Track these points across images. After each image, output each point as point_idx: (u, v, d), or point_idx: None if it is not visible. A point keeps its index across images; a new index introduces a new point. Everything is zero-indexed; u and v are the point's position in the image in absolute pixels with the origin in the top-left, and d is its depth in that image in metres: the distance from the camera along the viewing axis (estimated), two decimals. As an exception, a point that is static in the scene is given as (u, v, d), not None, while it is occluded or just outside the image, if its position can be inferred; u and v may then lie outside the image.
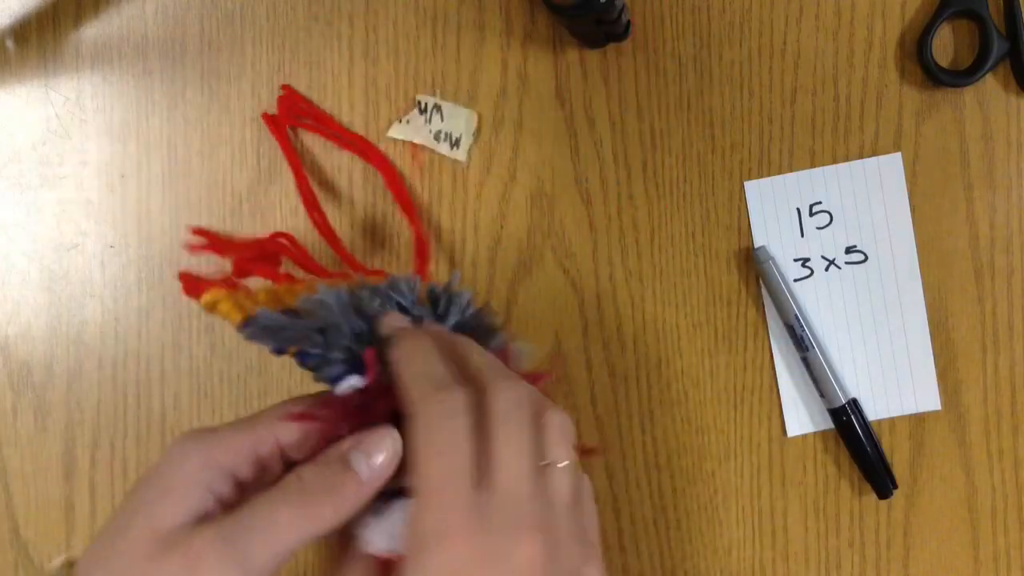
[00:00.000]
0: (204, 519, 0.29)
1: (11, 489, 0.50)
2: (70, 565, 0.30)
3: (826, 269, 0.47)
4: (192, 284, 0.33)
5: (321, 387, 0.32)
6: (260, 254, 0.43)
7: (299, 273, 0.45)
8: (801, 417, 0.47)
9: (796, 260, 0.47)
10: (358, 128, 0.49)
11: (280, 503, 0.29)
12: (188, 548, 0.28)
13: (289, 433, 0.31)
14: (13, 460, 0.50)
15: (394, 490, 0.31)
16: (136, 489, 0.30)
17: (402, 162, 0.48)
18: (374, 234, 0.49)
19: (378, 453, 0.30)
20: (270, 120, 0.48)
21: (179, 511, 0.29)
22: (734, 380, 0.47)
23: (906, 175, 0.47)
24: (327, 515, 0.29)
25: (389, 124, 0.49)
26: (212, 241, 0.43)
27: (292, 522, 0.29)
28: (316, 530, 0.29)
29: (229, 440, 0.30)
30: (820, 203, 0.47)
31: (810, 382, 0.46)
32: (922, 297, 0.47)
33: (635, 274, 0.48)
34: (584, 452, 0.34)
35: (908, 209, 0.47)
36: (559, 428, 0.30)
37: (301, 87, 0.49)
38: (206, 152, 0.49)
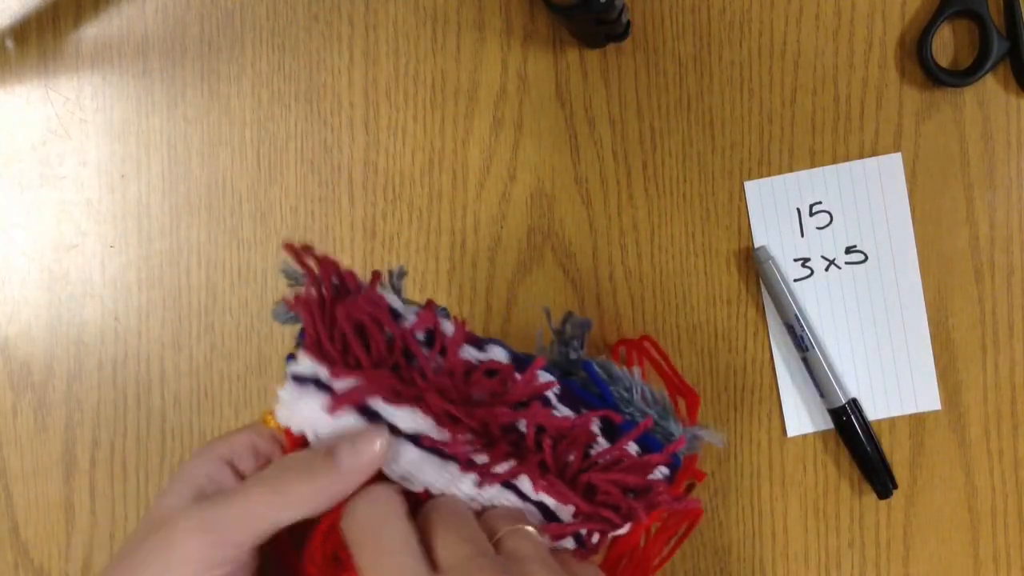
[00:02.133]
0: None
1: (11, 489, 0.50)
2: None
3: (826, 269, 0.47)
4: None
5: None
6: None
7: None
8: (801, 417, 0.47)
9: (796, 260, 0.47)
10: (358, 128, 0.49)
11: (256, 483, 0.29)
12: (166, 514, 0.29)
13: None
14: (13, 460, 0.50)
15: None
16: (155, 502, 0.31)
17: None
18: (374, 234, 0.49)
19: (365, 446, 0.30)
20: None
21: (186, 493, 0.30)
22: (734, 380, 0.47)
23: (906, 175, 0.47)
24: (302, 498, 0.29)
25: (389, 124, 0.49)
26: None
27: (267, 500, 0.29)
28: (292, 512, 0.29)
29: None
30: (820, 203, 0.47)
31: (810, 382, 0.46)
32: (922, 297, 0.47)
33: (635, 274, 0.48)
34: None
35: (908, 209, 0.47)
36: None
37: (301, 87, 0.49)
38: (206, 152, 0.49)
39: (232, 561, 0.29)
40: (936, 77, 0.46)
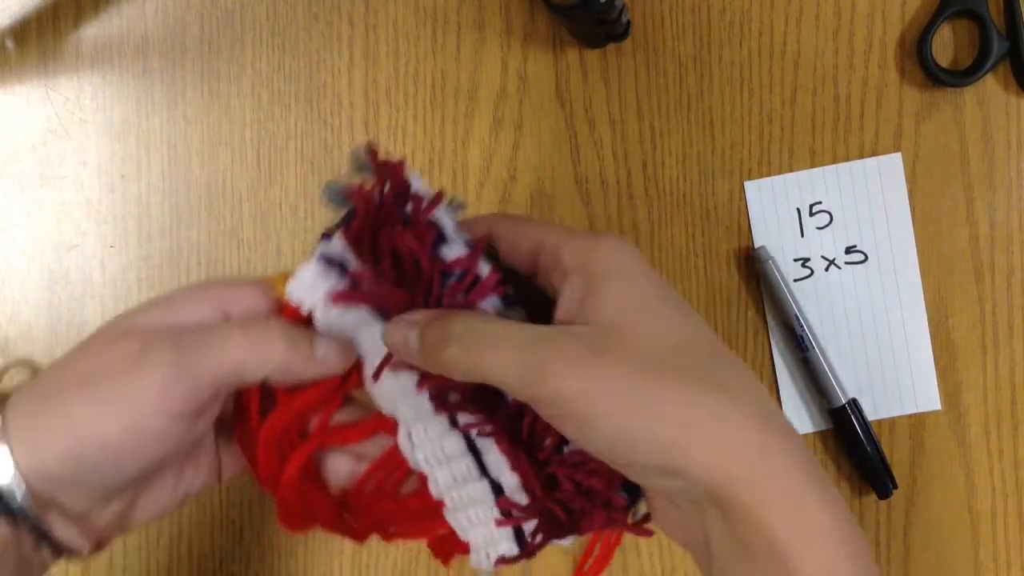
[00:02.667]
0: None
1: (11, 489, 0.50)
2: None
3: (826, 269, 0.47)
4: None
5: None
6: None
7: None
8: (801, 417, 0.47)
9: (796, 260, 0.47)
10: (358, 128, 0.49)
11: (238, 330, 0.30)
12: (144, 337, 0.29)
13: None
14: (13, 460, 0.50)
15: None
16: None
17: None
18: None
19: (342, 353, 0.31)
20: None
21: (160, 318, 0.30)
22: (734, 380, 0.47)
23: (906, 175, 0.47)
24: (275, 362, 0.30)
25: (389, 124, 0.49)
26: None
27: (243, 347, 0.29)
28: (261, 371, 0.30)
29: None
30: (820, 203, 0.47)
31: (810, 382, 0.46)
32: (922, 297, 0.47)
33: (635, 274, 0.48)
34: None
35: (908, 209, 0.47)
36: None
37: (301, 87, 0.49)
38: (206, 152, 0.49)
39: (194, 401, 0.29)
40: (936, 77, 0.46)
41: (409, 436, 0.32)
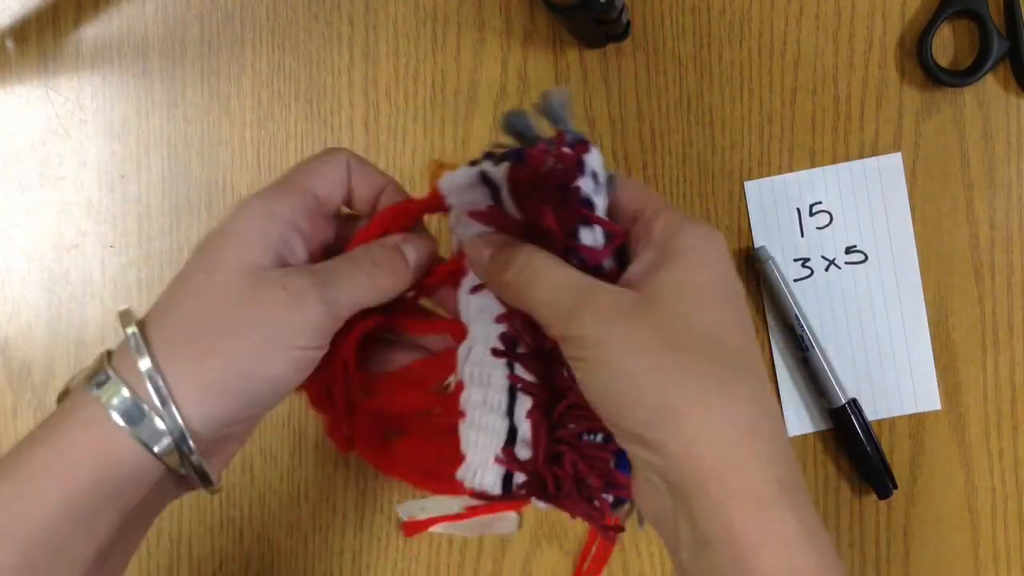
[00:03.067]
0: (285, 266, 0.32)
1: (11, 489, 0.50)
2: (130, 317, 0.31)
3: (826, 269, 0.47)
4: None
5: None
6: None
7: None
8: (801, 417, 0.47)
9: (796, 260, 0.47)
10: (358, 128, 0.49)
11: (358, 267, 0.33)
12: (287, 283, 0.31)
13: (328, 185, 0.34)
14: (13, 460, 0.50)
15: None
16: (207, 244, 0.32)
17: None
18: (374, 234, 0.49)
19: (422, 247, 0.35)
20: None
21: (263, 254, 0.31)
22: (734, 380, 0.47)
23: (906, 175, 0.47)
24: (386, 288, 0.34)
25: (389, 124, 0.49)
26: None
27: (365, 283, 0.33)
28: (377, 298, 0.33)
29: (283, 194, 0.33)
30: (820, 203, 0.47)
31: (810, 382, 0.46)
32: (922, 297, 0.47)
33: (635, 274, 0.48)
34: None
35: (908, 209, 0.47)
36: None
37: (301, 87, 0.49)
38: (206, 152, 0.49)
39: (335, 330, 0.32)
40: (936, 77, 0.46)
41: (469, 349, 0.35)
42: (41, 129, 0.50)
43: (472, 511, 0.45)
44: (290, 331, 0.31)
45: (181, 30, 0.49)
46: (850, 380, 0.47)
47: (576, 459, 0.32)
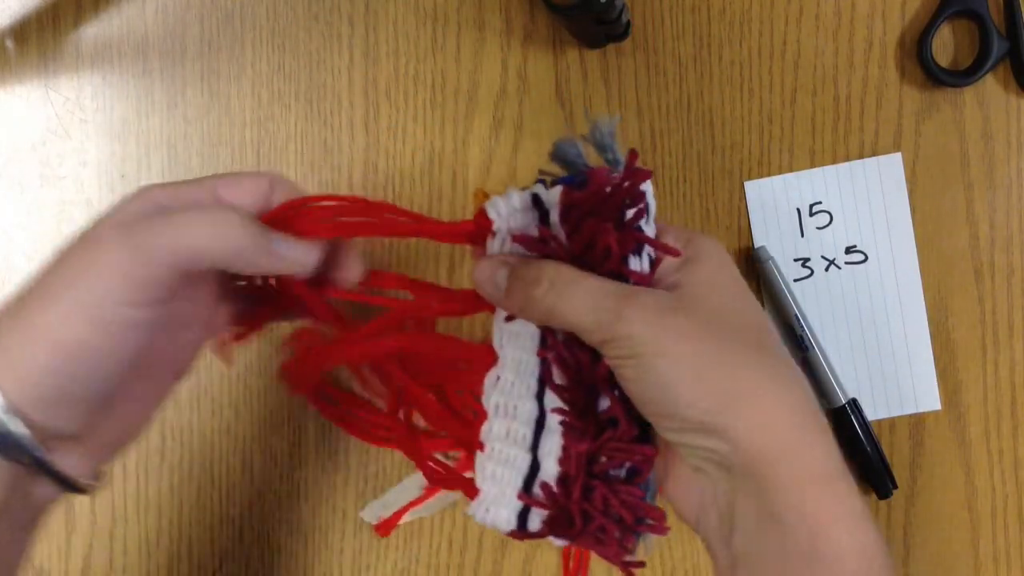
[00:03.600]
0: None
1: (11, 489, 0.50)
2: None
3: (826, 269, 0.47)
4: None
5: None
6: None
7: None
8: (801, 417, 0.47)
9: (796, 260, 0.47)
10: (358, 128, 0.49)
11: (198, 212, 0.30)
12: (93, 234, 0.29)
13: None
14: (13, 460, 0.50)
15: None
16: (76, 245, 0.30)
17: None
18: (374, 234, 0.49)
19: (302, 250, 0.32)
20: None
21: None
22: (734, 380, 0.47)
23: (906, 175, 0.47)
24: (232, 245, 0.29)
25: (389, 124, 0.49)
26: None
27: (200, 230, 0.29)
28: (221, 252, 0.29)
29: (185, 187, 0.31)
30: (820, 203, 0.47)
31: (810, 382, 0.46)
32: (922, 297, 0.47)
33: (635, 274, 0.48)
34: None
35: (908, 209, 0.47)
36: None
37: (301, 87, 0.49)
38: (206, 152, 0.49)
39: (153, 284, 0.28)
40: (936, 77, 0.46)
41: (497, 378, 0.34)
42: (41, 129, 0.50)
43: (431, 490, 0.45)
44: (84, 286, 0.28)
45: (181, 30, 0.49)
46: (850, 380, 0.47)
47: (607, 494, 0.32)
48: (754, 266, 0.47)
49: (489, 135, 0.48)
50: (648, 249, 0.32)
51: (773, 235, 0.47)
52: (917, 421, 0.47)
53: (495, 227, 0.34)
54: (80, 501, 0.49)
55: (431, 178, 0.48)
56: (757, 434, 0.28)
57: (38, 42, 0.50)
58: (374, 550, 0.48)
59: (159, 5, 0.49)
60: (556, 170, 0.34)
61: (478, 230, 0.34)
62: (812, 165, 0.47)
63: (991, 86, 0.47)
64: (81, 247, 0.29)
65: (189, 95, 0.50)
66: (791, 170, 0.47)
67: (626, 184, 0.31)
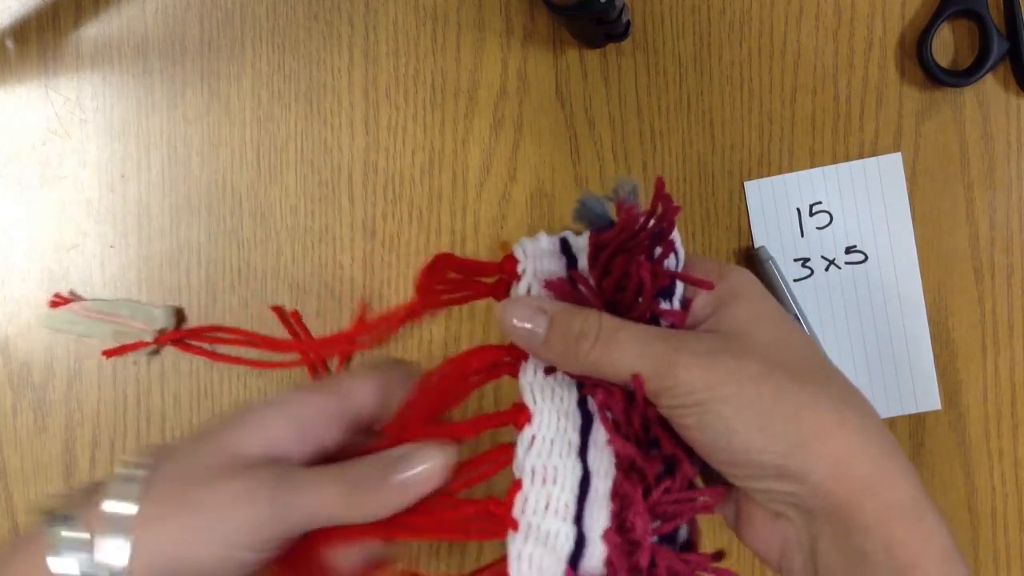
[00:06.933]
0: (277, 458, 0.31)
1: (11, 489, 0.50)
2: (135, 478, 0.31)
3: (826, 269, 0.47)
4: None
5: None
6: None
7: None
8: (801, 417, 0.47)
9: (796, 260, 0.47)
10: (358, 128, 0.49)
11: (330, 478, 0.30)
12: (242, 475, 0.30)
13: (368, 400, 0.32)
14: (13, 460, 0.50)
15: None
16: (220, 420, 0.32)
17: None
18: (374, 234, 0.49)
19: (420, 464, 0.30)
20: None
21: (256, 443, 0.31)
22: (734, 380, 0.47)
23: (906, 175, 0.47)
24: (370, 507, 0.30)
25: (389, 124, 0.49)
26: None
27: (335, 500, 0.30)
28: (359, 516, 0.30)
29: (307, 392, 0.32)
30: (820, 203, 0.47)
31: (810, 382, 0.47)
32: (922, 297, 0.47)
33: (635, 274, 0.48)
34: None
35: (908, 209, 0.47)
36: None
37: (301, 87, 0.49)
38: (206, 152, 0.49)
39: (282, 540, 0.30)
40: (936, 77, 0.46)
41: (532, 439, 0.30)
42: (41, 129, 0.50)
43: None
44: (225, 526, 0.29)
45: (181, 30, 0.49)
46: (850, 380, 0.47)
47: (671, 562, 0.29)
48: (754, 266, 0.47)
49: (489, 135, 0.48)
50: (679, 292, 0.31)
51: (773, 235, 0.47)
52: (917, 421, 0.47)
53: (520, 268, 0.32)
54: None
55: (431, 178, 0.48)
56: (836, 473, 0.27)
57: (38, 42, 0.50)
58: (374, 550, 0.48)
59: (159, 5, 0.49)
60: (580, 228, 0.33)
61: (502, 277, 0.32)
62: (812, 165, 0.47)
63: (991, 86, 0.47)
64: (235, 483, 0.30)
65: (189, 95, 0.50)
66: (791, 170, 0.47)
67: (657, 215, 0.30)
